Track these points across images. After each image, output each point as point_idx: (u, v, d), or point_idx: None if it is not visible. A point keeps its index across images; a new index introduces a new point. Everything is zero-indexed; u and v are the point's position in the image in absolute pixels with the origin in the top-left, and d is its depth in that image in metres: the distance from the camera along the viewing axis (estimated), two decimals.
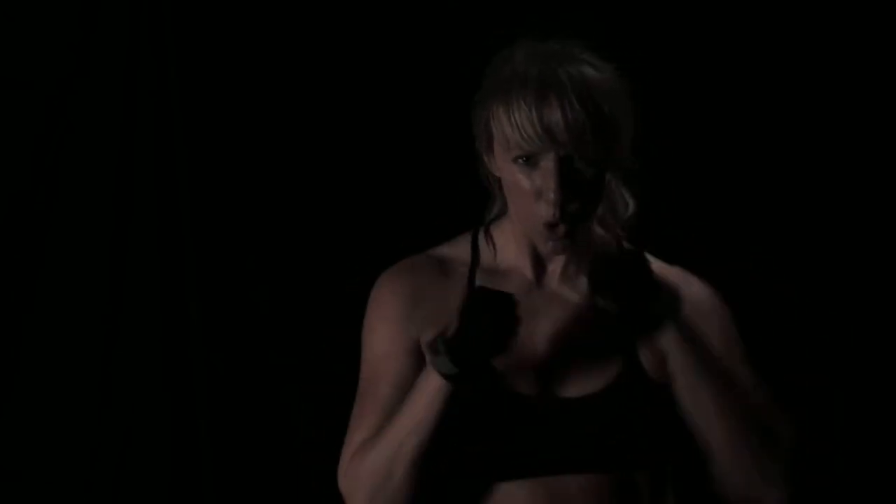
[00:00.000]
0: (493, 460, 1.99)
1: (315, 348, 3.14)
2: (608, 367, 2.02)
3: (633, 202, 2.06)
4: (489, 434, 1.98)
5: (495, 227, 2.10)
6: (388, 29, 3.17)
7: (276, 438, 3.16)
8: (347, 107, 3.17)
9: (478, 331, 1.89)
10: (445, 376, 1.90)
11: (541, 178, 1.95)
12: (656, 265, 2.05)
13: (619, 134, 1.97)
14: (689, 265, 2.13)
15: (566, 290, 2.06)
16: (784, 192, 3.22)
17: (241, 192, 3.17)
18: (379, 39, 3.17)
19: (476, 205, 2.13)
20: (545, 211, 1.95)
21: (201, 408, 3.13)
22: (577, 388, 2.01)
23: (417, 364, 1.99)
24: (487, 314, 1.89)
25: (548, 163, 1.94)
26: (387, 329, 2.04)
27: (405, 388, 1.97)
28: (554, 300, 2.05)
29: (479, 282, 2.04)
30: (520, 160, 1.96)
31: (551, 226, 1.96)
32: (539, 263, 2.07)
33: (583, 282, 2.03)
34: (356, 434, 2.01)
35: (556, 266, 2.07)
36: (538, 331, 2.03)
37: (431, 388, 1.92)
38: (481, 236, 2.10)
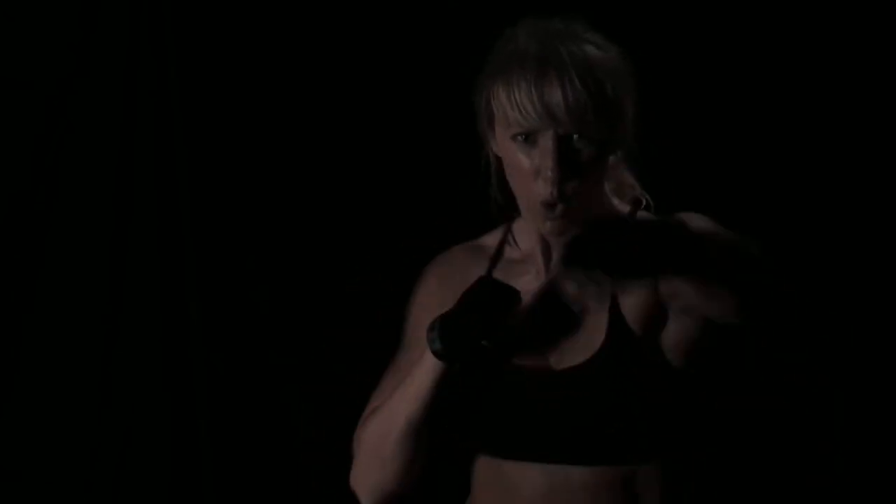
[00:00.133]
0: (492, 435, 2.02)
1: (315, 348, 3.15)
2: (596, 336, 2.01)
3: (638, 185, 2.04)
4: (487, 409, 2.01)
5: (522, 217, 2.10)
6: (388, 29, 3.17)
7: (276, 438, 3.16)
8: (347, 107, 3.17)
9: (469, 316, 1.92)
10: (436, 354, 1.95)
11: (539, 157, 1.94)
12: (651, 221, 2.00)
13: (621, 113, 1.96)
14: None
15: (568, 273, 2.05)
16: (784, 192, 3.22)
17: (241, 192, 3.17)
18: (379, 39, 3.17)
19: (476, 205, 2.13)
20: (543, 189, 1.94)
21: (201, 408, 3.13)
22: (569, 358, 2.01)
23: None
24: (484, 302, 1.93)
25: (546, 141, 1.93)
26: (419, 315, 2.09)
27: None
28: (556, 285, 2.05)
29: (497, 271, 2.05)
30: (519, 138, 1.95)
31: (549, 205, 1.95)
32: (548, 251, 2.06)
33: (584, 262, 2.01)
34: (373, 402, 2.08)
35: (561, 251, 2.05)
36: (538, 316, 2.03)
37: (426, 364, 1.97)
38: (513, 226, 2.11)
